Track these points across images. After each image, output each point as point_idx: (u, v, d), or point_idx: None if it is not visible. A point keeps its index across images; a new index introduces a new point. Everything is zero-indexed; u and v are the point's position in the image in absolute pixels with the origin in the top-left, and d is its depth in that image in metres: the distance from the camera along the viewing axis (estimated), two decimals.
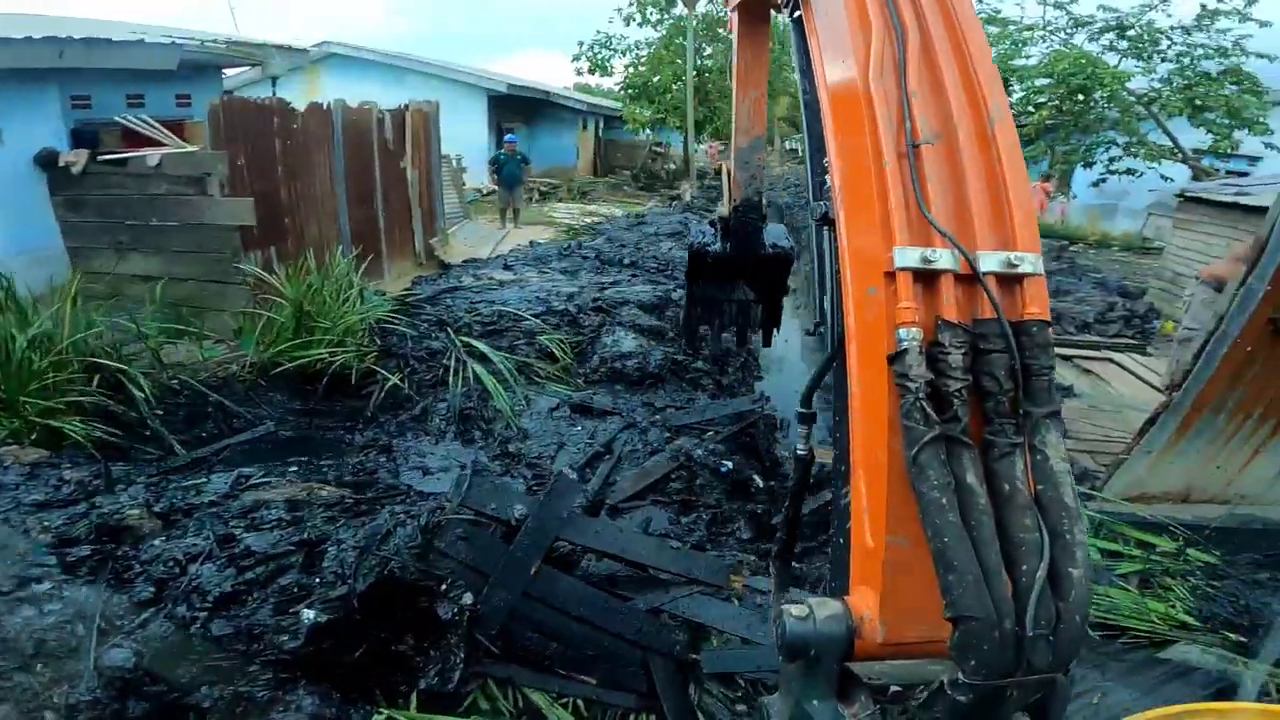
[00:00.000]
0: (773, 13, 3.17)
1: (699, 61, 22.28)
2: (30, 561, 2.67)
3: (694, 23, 21.06)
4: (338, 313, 5.59)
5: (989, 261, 1.15)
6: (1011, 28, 15.51)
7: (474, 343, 6.03)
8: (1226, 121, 13.72)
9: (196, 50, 7.53)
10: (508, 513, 3.39)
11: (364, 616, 2.84)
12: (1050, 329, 1.16)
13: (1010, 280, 1.16)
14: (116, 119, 6.43)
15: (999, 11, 15.86)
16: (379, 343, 5.84)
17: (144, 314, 5.05)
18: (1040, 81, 14.68)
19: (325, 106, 7.68)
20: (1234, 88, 13.77)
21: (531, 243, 11.87)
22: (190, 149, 5.89)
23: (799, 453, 1.68)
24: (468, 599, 3.06)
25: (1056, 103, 14.38)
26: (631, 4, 22.36)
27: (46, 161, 6.08)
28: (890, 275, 1.16)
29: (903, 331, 1.12)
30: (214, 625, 2.58)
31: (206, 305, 5.55)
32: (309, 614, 2.69)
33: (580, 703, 3.11)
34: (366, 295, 6.29)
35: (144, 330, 4.78)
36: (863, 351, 1.23)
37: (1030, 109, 15.24)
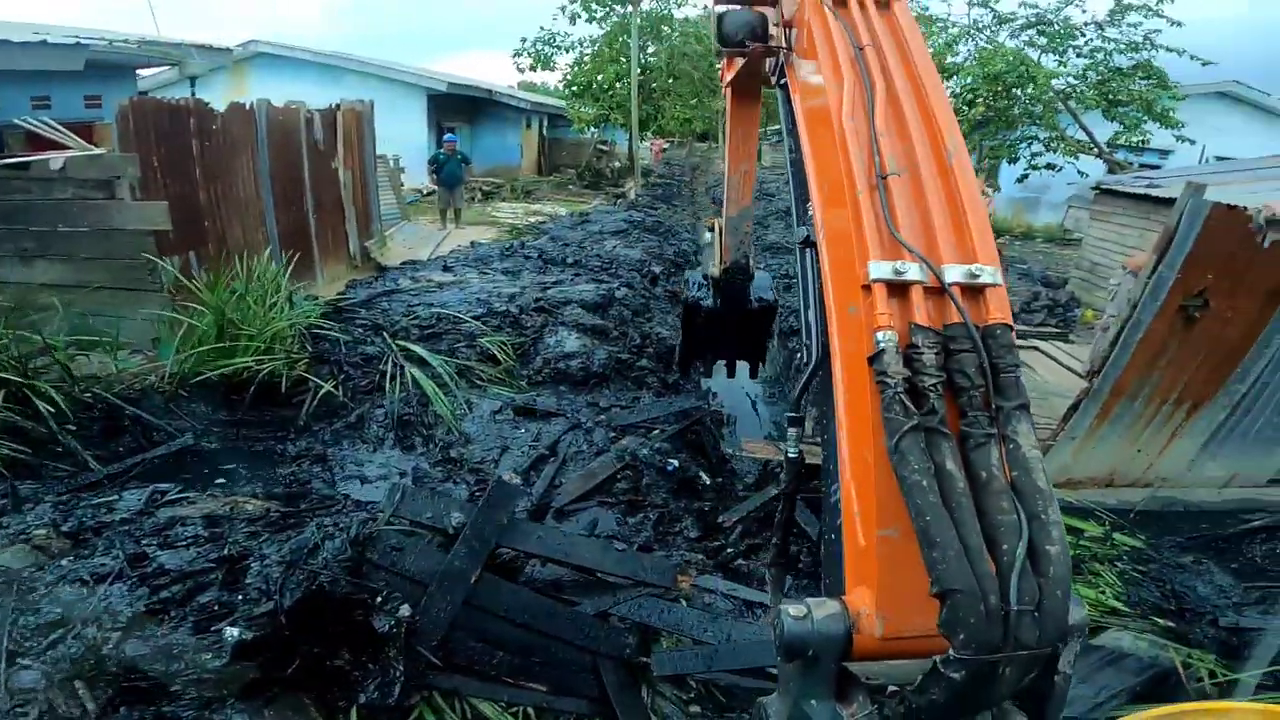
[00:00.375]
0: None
1: (643, 59, 22.31)
2: None
3: (638, 20, 21.09)
4: (264, 319, 5.37)
5: (953, 274, 1.28)
6: (937, 25, 15.99)
7: (412, 347, 5.88)
8: (1140, 115, 14.43)
9: (105, 50, 7.17)
10: (444, 521, 3.31)
11: (294, 632, 2.74)
12: (1013, 332, 1.26)
13: (974, 290, 1.30)
14: (15, 121, 6.05)
15: (926, 9, 16.36)
16: (310, 349, 5.64)
17: (52, 324, 4.75)
18: (968, 79, 15.17)
19: (248, 106, 7.38)
20: (1145, 82, 14.49)
21: (473, 243, 11.67)
22: (98, 151, 5.57)
23: (790, 455, 1.75)
24: (405, 611, 2.98)
25: (988, 99, 14.90)
26: (575, 1, 22.23)
27: None
28: (866, 288, 1.30)
29: (880, 335, 1.23)
30: (128, 646, 2.46)
31: (120, 314, 5.25)
32: (233, 632, 2.59)
33: (531, 710, 3.06)
34: (296, 300, 6.06)
35: (51, 342, 4.49)
36: (847, 363, 1.36)
37: (964, 106, 15.77)
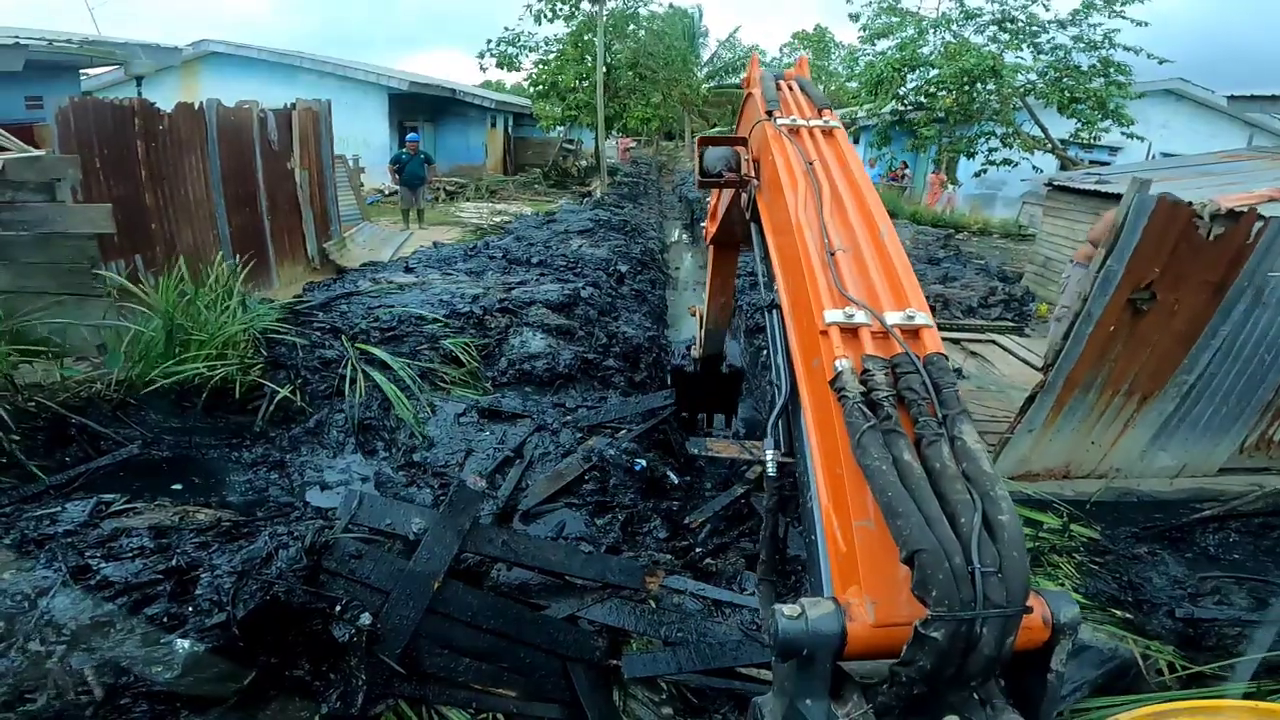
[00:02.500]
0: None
1: (608, 58, 22.27)
2: None
3: (604, 18, 21.05)
4: (216, 323, 5.21)
5: (893, 318, 1.56)
6: (910, 18, 16.21)
7: (373, 350, 5.77)
8: (1095, 114, 14.83)
9: (45, 50, 6.92)
10: (405, 528, 3.25)
11: (249, 644, 2.67)
12: (948, 359, 1.50)
13: (911, 330, 1.56)
14: None
15: (898, 2, 16.54)
16: (265, 354, 5.49)
17: None
18: (933, 72, 15.43)
19: (197, 106, 7.17)
20: (1101, 80, 14.89)
21: (436, 244, 11.51)
22: (37, 153, 5.36)
23: (769, 475, 1.93)
24: (366, 619, 2.92)
25: (952, 94, 15.18)
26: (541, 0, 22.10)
27: None
28: (824, 333, 1.56)
29: (838, 363, 1.46)
30: (74, 659, 2.37)
31: (64, 320, 5.06)
32: (183, 644, 2.51)
33: (500, 716, 3.02)
34: (250, 304, 5.91)
35: None
36: (814, 401, 1.64)
37: (923, 99, 16.03)
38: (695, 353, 5.41)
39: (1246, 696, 2.87)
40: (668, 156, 28.63)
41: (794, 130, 2.31)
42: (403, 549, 3.26)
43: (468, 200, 19.30)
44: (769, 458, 1.93)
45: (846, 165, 2.14)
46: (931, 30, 15.87)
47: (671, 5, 26.56)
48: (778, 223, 2.20)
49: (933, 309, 7.47)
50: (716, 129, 30.64)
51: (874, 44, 16.76)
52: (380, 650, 2.95)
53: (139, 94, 8.57)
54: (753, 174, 2.65)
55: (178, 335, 4.94)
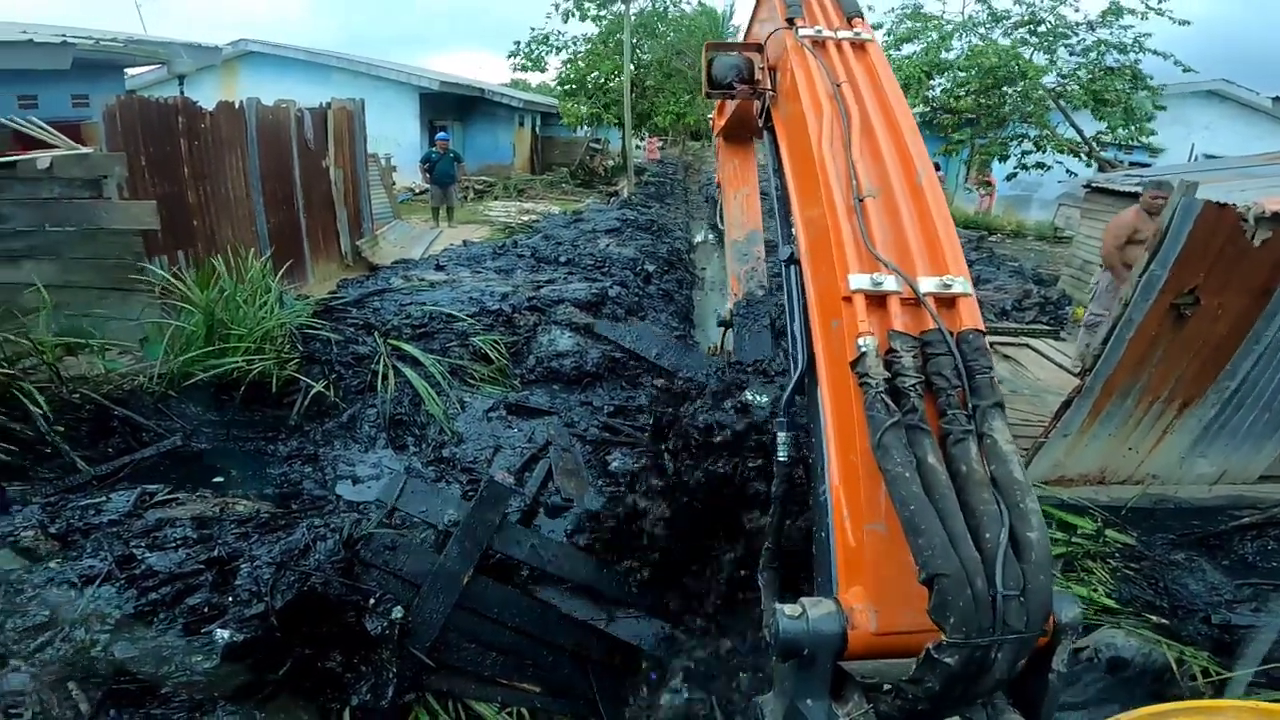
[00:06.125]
0: None
1: (637, 56, 22.29)
2: None
3: (631, 17, 21.07)
4: (254, 318, 5.32)
5: (927, 284, 1.37)
6: (934, 23, 16.16)
7: (404, 346, 5.85)
8: (1121, 118, 14.61)
9: (92, 50, 7.11)
10: (439, 517, 3.30)
11: (285, 634, 2.73)
12: (985, 337, 1.33)
13: (947, 300, 1.38)
14: (2, 121, 5.98)
15: (921, 7, 16.56)
16: (301, 349, 5.59)
17: (39, 325, 4.71)
18: (960, 74, 15.34)
19: (238, 105, 7.33)
20: (1128, 85, 14.65)
21: (465, 242, 11.62)
22: (84, 151, 5.52)
23: (779, 459, 1.79)
24: (398, 612, 2.97)
25: (978, 93, 15.05)
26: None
27: None
28: (847, 300, 1.38)
29: (861, 340, 1.30)
30: (117, 648, 2.43)
31: (108, 314, 5.20)
32: (223, 634, 2.57)
33: (525, 711, 3.04)
34: (286, 299, 6.02)
35: (39, 343, 4.45)
36: (831, 372, 1.46)
37: (952, 100, 15.91)
38: (725, 310, 3.76)
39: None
40: (694, 156, 28.57)
41: (819, 43, 1.96)
42: (434, 543, 3.30)
43: (496, 199, 19.44)
44: (781, 440, 1.79)
45: (881, 89, 1.80)
46: (957, 34, 15.81)
47: (701, 3, 26.51)
48: (797, 149, 1.89)
49: None
50: None
51: (899, 49, 16.80)
52: (410, 643, 2.99)
53: (181, 93, 8.77)
54: (768, 84, 2.30)
55: (217, 330, 5.05)
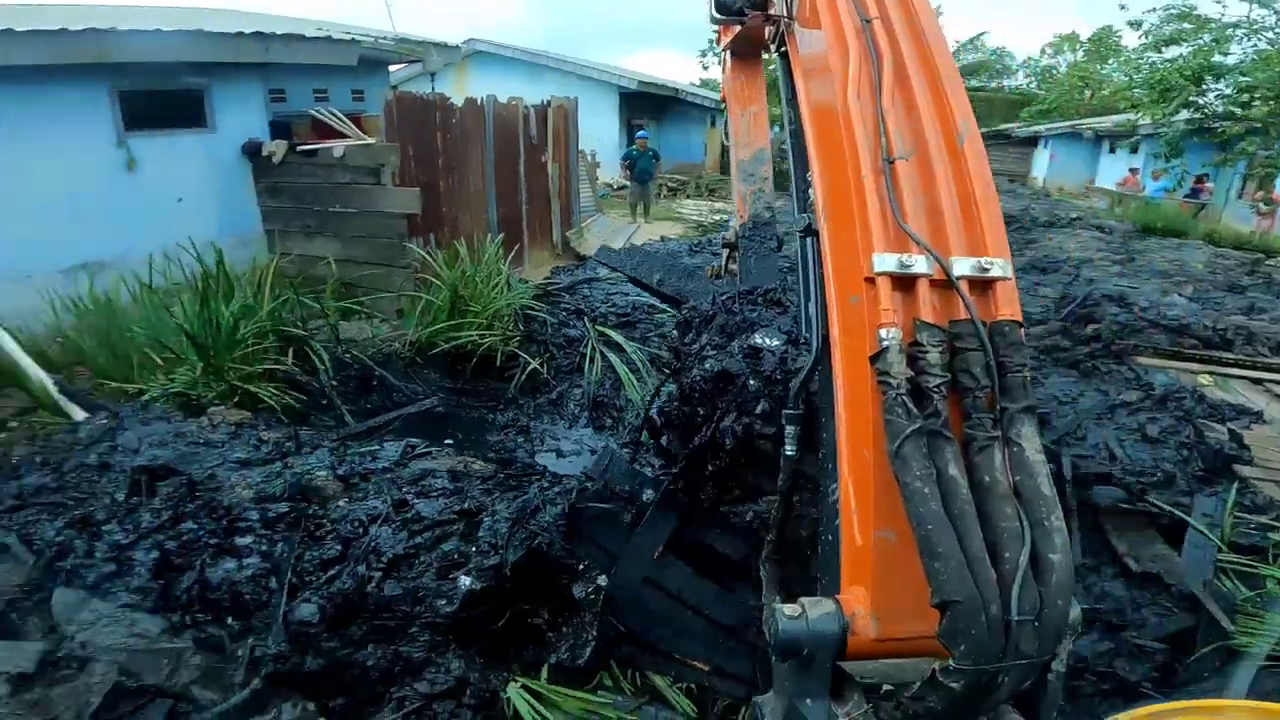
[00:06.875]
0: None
1: None
2: (235, 515, 2.94)
3: None
4: (487, 298, 5.92)
5: (962, 266, 1.21)
6: (1210, 25, 14.23)
7: (609, 332, 6.21)
8: None
9: (371, 47, 8.13)
10: (640, 493, 3.47)
11: (513, 587, 2.94)
12: (1022, 329, 1.20)
13: (982, 284, 1.22)
14: (309, 112, 7.07)
15: (1194, 8, 14.63)
16: (522, 328, 6.14)
17: (324, 293, 5.58)
18: (1243, 79, 13.35)
19: (478, 102, 8.10)
20: None
21: (663, 238, 12.02)
22: (369, 141, 6.42)
23: (787, 454, 1.70)
24: (603, 580, 3.15)
25: (1270, 103, 13.04)
26: None
27: (252, 151, 6.82)
28: (870, 281, 1.22)
29: (883, 332, 1.17)
30: (386, 586, 2.70)
31: (374, 286, 6.04)
32: (466, 581, 2.81)
33: (694, 687, 3.14)
34: (513, 282, 6.62)
35: (325, 308, 5.27)
36: (847, 356, 1.31)
37: (1235, 109, 13.93)
38: (730, 231, 3.50)
39: None
40: None
41: None
42: (631, 517, 3.49)
43: (688, 197, 19.79)
44: (788, 434, 1.67)
45: (919, 28, 1.53)
46: (1236, 37, 13.71)
47: None
48: (816, 94, 1.64)
49: (1230, 343, 6.40)
50: None
51: (1160, 50, 15.00)
52: (608, 611, 3.17)
53: (432, 89, 9.82)
54: (785, 11, 2.01)
55: (458, 306, 5.69)
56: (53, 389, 3.86)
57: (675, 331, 3.32)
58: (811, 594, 1.29)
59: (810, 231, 1.60)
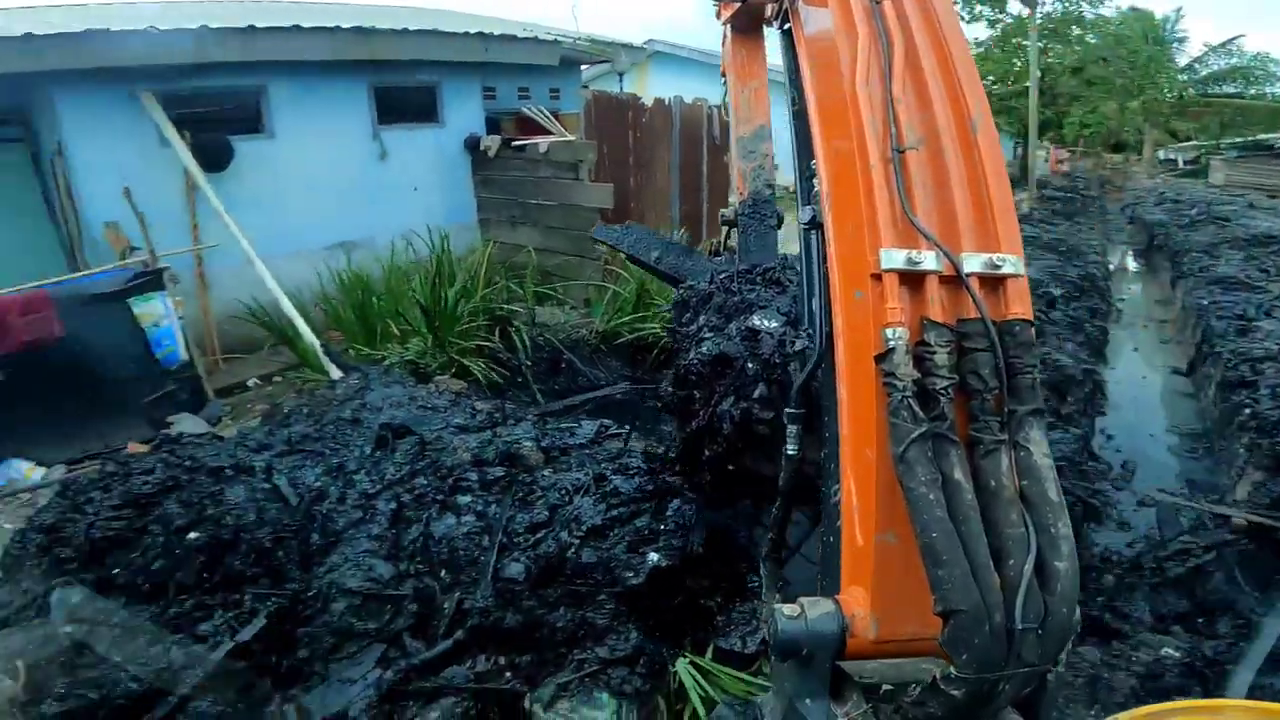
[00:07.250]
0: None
1: (1045, 61, 20.04)
2: (458, 476, 3.23)
3: (1037, 20, 19.02)
4: (669, 291, 6.11)
5: (972, 263, 1.17)
6: None
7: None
8: None
9: (568, 48, 8.59)
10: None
11: (696, 568, 3.00)
12: (1033, 328, 1.17)
13: (993, 281, 1.18)
14: (522, 109, 7.64)
15: None
16: None
17: (524, 279, 6.05)
18: None
19: (666, 102, 8.33)
20: None
21: None
22: (570, 138, 6.85)
23: (789, 453, 1.66)
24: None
25: None
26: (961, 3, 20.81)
27: (471, 145, 7.51)
28: (876, 277, 1.18)
29: (889, 331, 1.14)
30: (584, 553, 2.86)
31: (566, 276, 6.45)
32: (654, 556, 2.91)
33: None
34: None
35: (526, 293, 5.73)
36: (850, 353, 1.27)
37: None
38: (729, 208, 3.40)
39: None
40: (1113, 171, 24.46)
41: None
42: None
43: None
44: (790, 434, 1.63)
45: (931, 9, 1.45)
46: None
47: (1133, 8, 22.69)
48: (822, 78, 1.56)
49: None
50: (1190, 142, 25.36)
51: None
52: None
53: (620, 88, 10.19)
54: None
55: (644, 299, 5.95)
56: (319, 349, 4.52)
57: (672, 311, 3.32)
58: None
59: (815, 224, 1.56)
